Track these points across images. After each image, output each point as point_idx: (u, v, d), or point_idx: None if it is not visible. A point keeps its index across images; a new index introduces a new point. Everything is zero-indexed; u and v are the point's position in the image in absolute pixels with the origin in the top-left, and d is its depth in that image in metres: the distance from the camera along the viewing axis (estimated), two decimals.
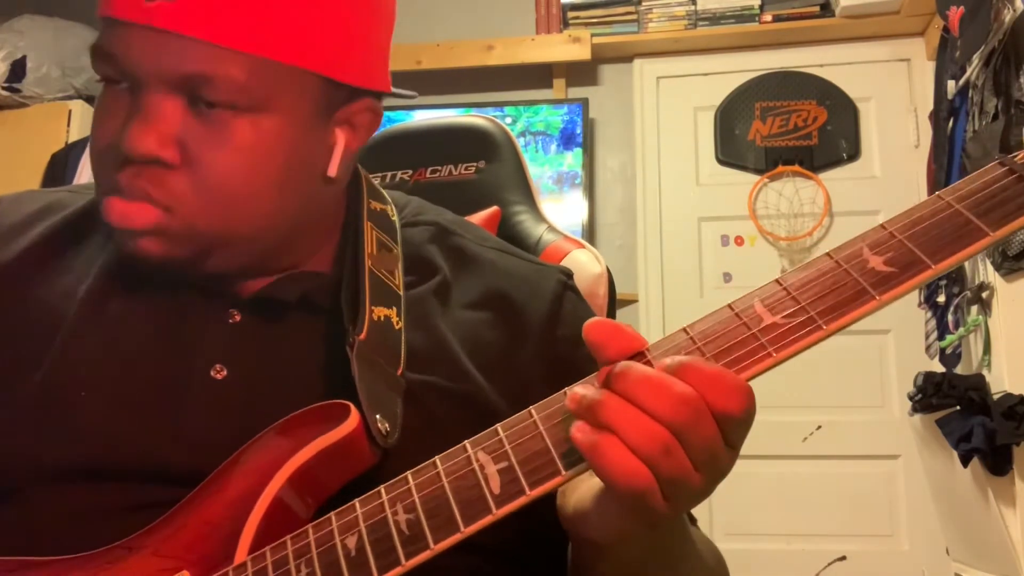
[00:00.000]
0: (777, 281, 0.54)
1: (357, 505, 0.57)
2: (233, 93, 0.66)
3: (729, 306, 0.54)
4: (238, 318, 0.73)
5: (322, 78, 0.70)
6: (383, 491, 0.56)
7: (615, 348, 0.54)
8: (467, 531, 0.53)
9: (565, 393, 0.55)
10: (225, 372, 0.70)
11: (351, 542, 0.55)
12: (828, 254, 0.55)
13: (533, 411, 0.55)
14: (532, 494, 0.52)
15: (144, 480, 0.66)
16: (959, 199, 0.54)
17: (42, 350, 0.71)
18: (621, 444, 0.50)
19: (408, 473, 0.56)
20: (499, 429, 0.55)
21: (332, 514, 0.57)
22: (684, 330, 0.55)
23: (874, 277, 0.52)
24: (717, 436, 0.51)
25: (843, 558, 2.86)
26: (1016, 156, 0.55)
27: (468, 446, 0.56)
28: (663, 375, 0.51)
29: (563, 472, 0.53)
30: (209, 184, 0.67)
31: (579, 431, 0.51)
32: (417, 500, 0.55)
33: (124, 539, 0.63)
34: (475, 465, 0.54)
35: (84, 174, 3.05)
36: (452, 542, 0.53)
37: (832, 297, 0.52)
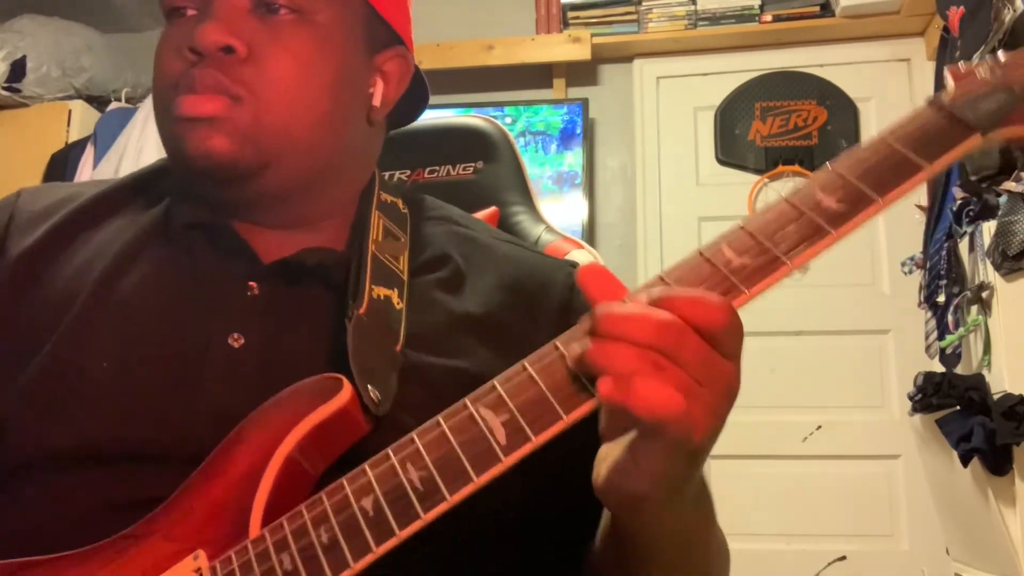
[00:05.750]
0: (740, 226, 0.58)
1: (367, 468, 0.57)
2: None
3: (699, 251, 0.57)
4: (256, 291, 0.75)
5: (369, 7, 0.79)
6: (391, 452, 0.57)
7: (602, 292, 0.55)
8: (480, 480, 0.54)
9: (555, 346, 0.56)
10: (243, 340, 0.72)
11: (367, 503, 0.56)
12: (784, 198, 0.58)
13: (527, 364, 0.57)
14: (537, 440, 0.54)
15: (152, 456, 0.66)
16: (897, 139, 0.58)
17: (55, 325, 0.72)
18: (643, 379, 0.50)
19: (413, 433, 0.57)
20: (496, 384, 0.57)
21: (343, 479, 0.58)
22: (660, 277, 0.57)
23: (828, 214, 0.56)
24: (707, 349, 0.52)
25: (843, 558, 2.86)
26: (944, 95, 0.59)
27: (468, 403, 0.57)
28: (642, 307, 0.52)
29: (563, 416, 0.54)
30: (273, 80, 0.73)
31: (602, 384, 0.51)
32: (427, 458, 0.56)
33: (127, 528, 0.62)
34: (479, 420, 0.56)
35: (84, 174, 3.05)
36: (467, 492, 0.54)
37: (793, 236, 0.56)
